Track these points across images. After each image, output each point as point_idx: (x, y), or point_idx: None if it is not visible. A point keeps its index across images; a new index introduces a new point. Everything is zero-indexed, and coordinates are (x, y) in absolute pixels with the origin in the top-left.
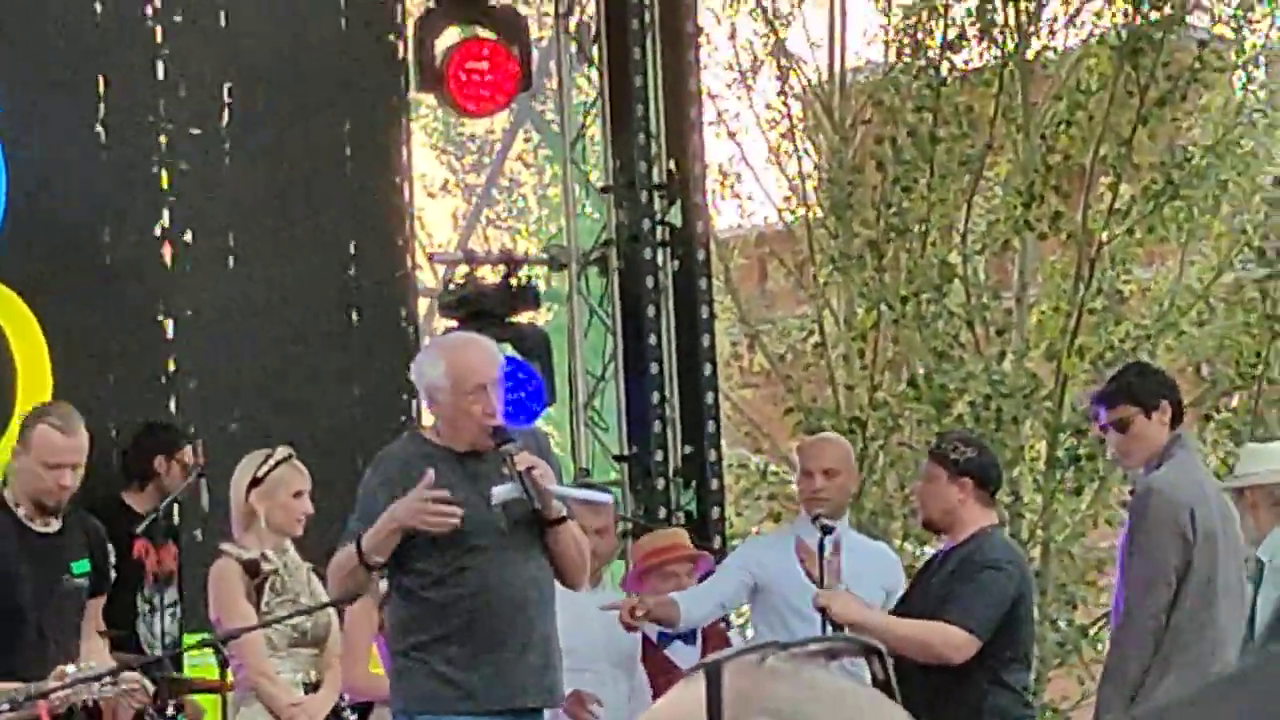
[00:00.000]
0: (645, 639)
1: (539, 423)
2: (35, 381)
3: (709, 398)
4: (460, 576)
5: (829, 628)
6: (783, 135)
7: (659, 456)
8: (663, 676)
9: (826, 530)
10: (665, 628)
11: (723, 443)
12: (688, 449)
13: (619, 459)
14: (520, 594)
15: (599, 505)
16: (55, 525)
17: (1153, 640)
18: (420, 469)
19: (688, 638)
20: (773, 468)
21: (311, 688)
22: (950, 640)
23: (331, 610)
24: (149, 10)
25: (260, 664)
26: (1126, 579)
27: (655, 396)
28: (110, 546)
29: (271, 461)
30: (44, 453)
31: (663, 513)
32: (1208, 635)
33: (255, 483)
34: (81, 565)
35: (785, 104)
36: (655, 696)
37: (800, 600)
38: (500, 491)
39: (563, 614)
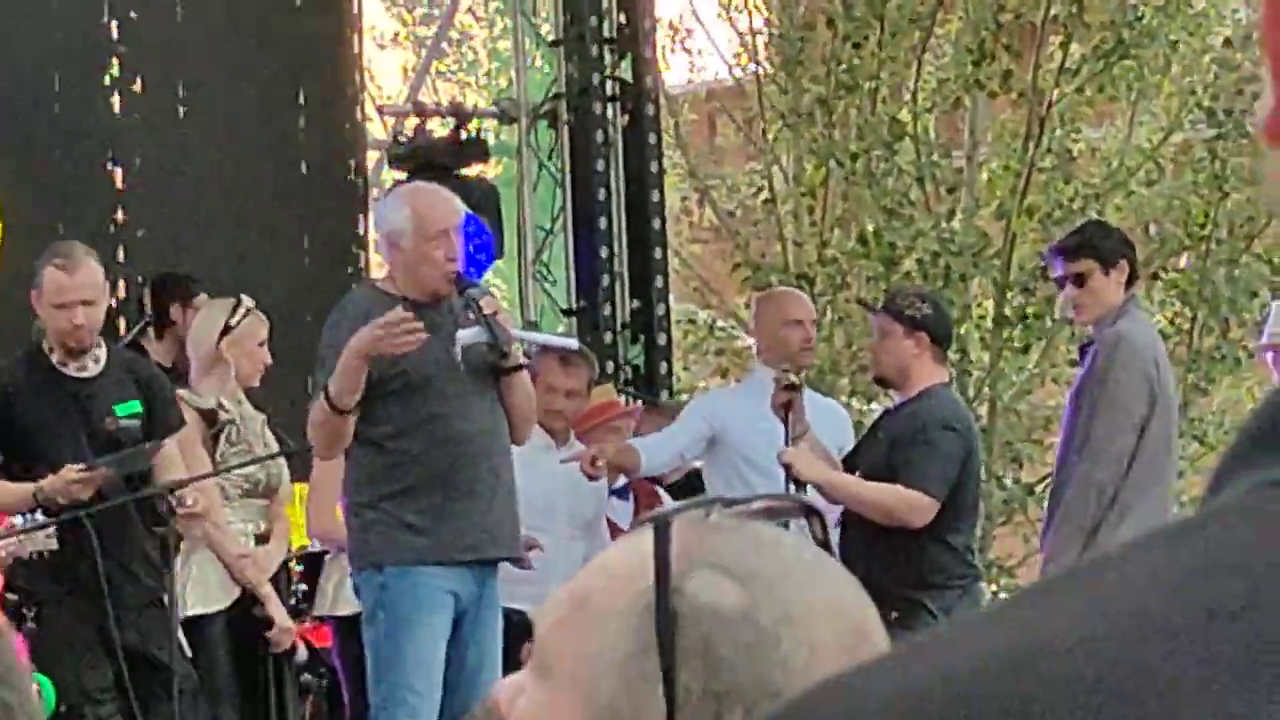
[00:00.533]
0: None
1: (488, 276)
2: None
3: (657, 253)
4: (428, 425)
5: (792, 486)
6: None
7: (607, 311)
8: None
9: (793, 386)
10: (627, 475)
11: (671, 297)
12: (636, 303)
13: (567, 313)
14: (487, 443)
15: (569, 354)
16: (95, 368)
17: (1111, 487)
18: (382, 315)
19: (621, 493)
20: (720, 323)
21: (261, 539)
22: (911, 503)
23: (283, 462)
24: None
25: (213, 513)
26: (1084, 423)
27: (604, 251)
28: (166, 386)
29: (242, 310)
30: (51, 294)
31: (610, 367)
32: (1160, 489)
33: (225, 330)
34: (128, 406)
35: None
36: None
37: (756, 454)
38: (465, 335)
39: (524, 472)
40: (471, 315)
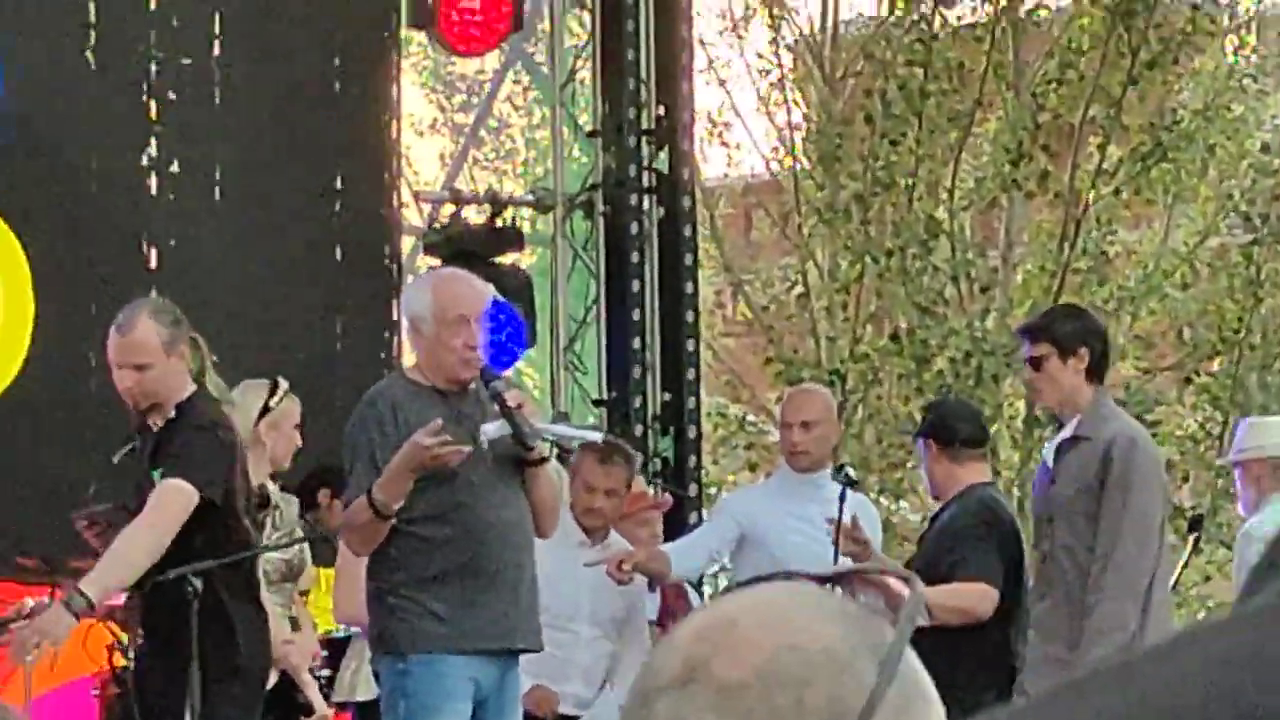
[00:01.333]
0: None
1: (520, 364)
2: (17, 308)
3: (689, 345)
4: (454, 514)
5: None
6: (773, 85)
7: (638, 402)
8: None
9: (851, 483)
10: (657, 581)
11: (702, 390)
12: (667, 395)
13: (598, 403)
14: (512, 534)
15: (609, 452)
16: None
17: (1141, 601)
18: (411, 409)
19: (647, 586)
20: (751, 417)
21: (294, 623)
22: (979, 594)
23: (306, 546)
24: None
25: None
26: (1107, 531)
27: (636, 342)
28: (196, 450)
29: (280, 393)
30: (109, 353)
31: (640, 459)
32: (1165, 591)
33: (264, 412)
34: (155, 474)
35: (776, 54)
36: None
37: (784, 553)
38: (490, 429)
39: (555, 567)
40: (496, 408)
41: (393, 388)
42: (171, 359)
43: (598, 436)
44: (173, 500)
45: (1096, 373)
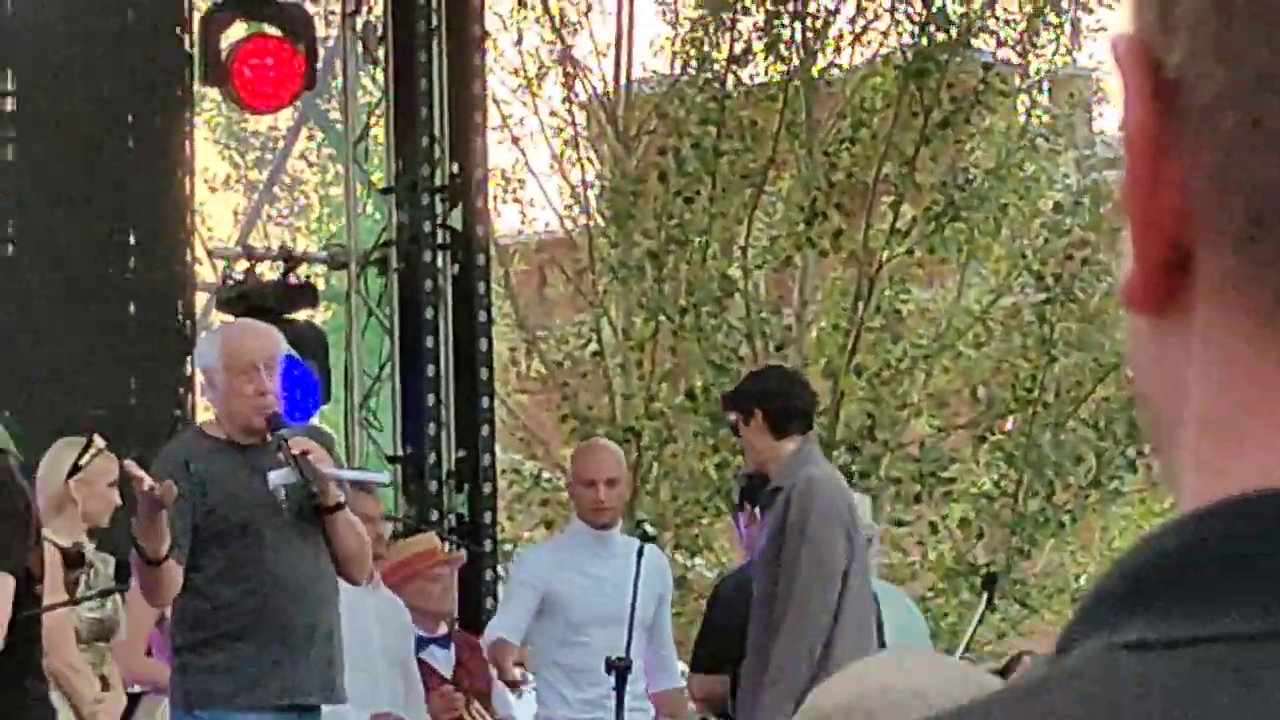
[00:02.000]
0: None
1: (314, 420)
2: None
3: (484, 401)
4: (246, 570)
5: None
6: (566, 143)
7: (432, 458)
8: (424, 680)
9: (648, 538)
10: (503, 674)
11: (497, 447)
12: (461, 452)
13: (392, 460)
14: (306, 585)
15: (373, 485)
16: None
17: (823, 639)
18: (207, 463)
19: (441, 642)
20: (546, 474)
21: (104, 682)
22: None
23: (120, 604)
24: None
25: (69, 654)
26: (785, 577)
27: (430, 398)
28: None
29: (92, 450)
30: None
31: (435, 515)
32: (865, 635)
33: (74, 470)
34: None
35: (570, 111)
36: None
37: (582, 614)
38: (276, 476)
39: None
40: (281, 456)
41: (187, 445)
42: None
43: (384, 478)
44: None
45: (780, 428)
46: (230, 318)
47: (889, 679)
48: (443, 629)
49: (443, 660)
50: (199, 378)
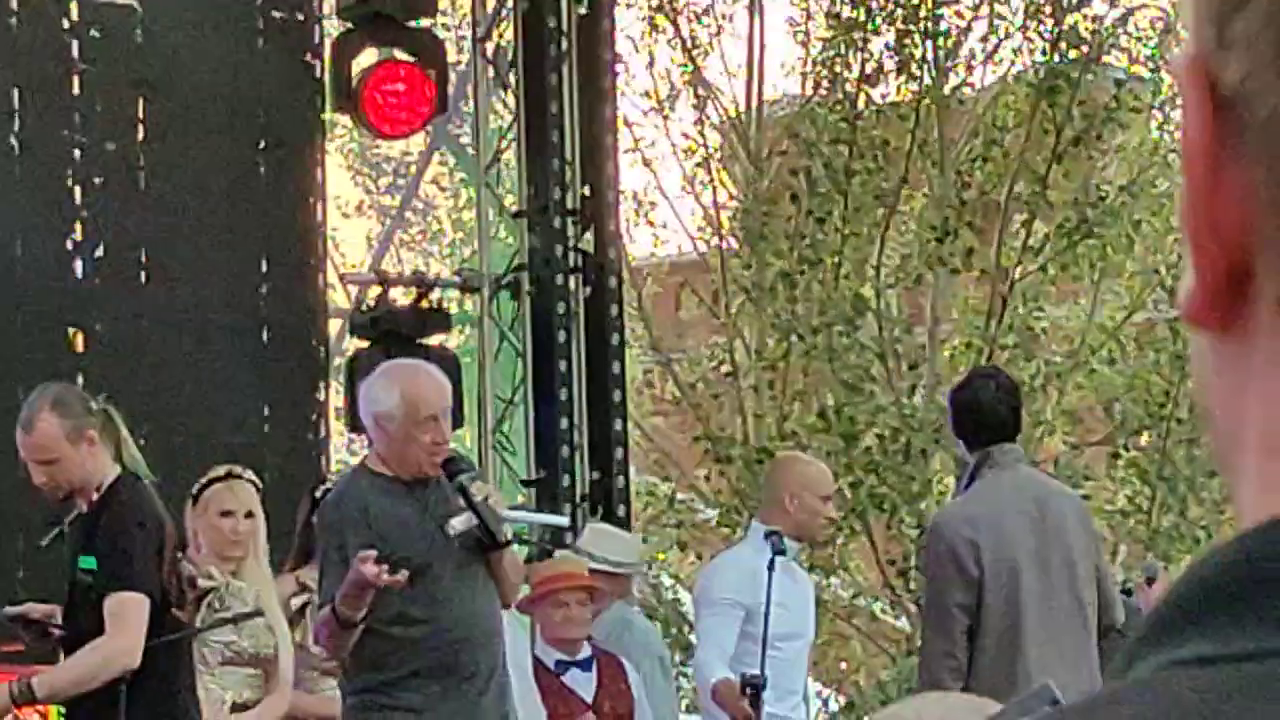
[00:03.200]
0: (539, 664)
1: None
2: None
3: (618, 424)
4: (427, 611)
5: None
6: (698, 165)
7: (566, 481)
8: (562, 704)
9: (779, 551)
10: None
11: (631, 469)
12: (595, 474)
13: (527, 484)
14: (484, 626)
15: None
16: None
17: (952, 684)
18: (379, 504)
19: (584, 665)
20: (680, 495)
21: (241, 707)
22: None
23: (281, 634)
24: (66, 23)
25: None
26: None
27: (564, 422)
28: (120, 540)
29: (204, 480)
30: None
31: (569, 539)
32: (1017, 677)
33: (193, 501)
34: (86, 561)
35: (702, 133)
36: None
37: (760, 627)
38: (458, 523)
39: None
40: (462, 502)
41: (357, 484)
42: (80, 446)
43: (564, 521)
44: (133, 613)
45: (975, 443)
46: (364, 344)
47: (897, 710)
48: (585, 651)
49: (584, 683)
50: (336, 402)
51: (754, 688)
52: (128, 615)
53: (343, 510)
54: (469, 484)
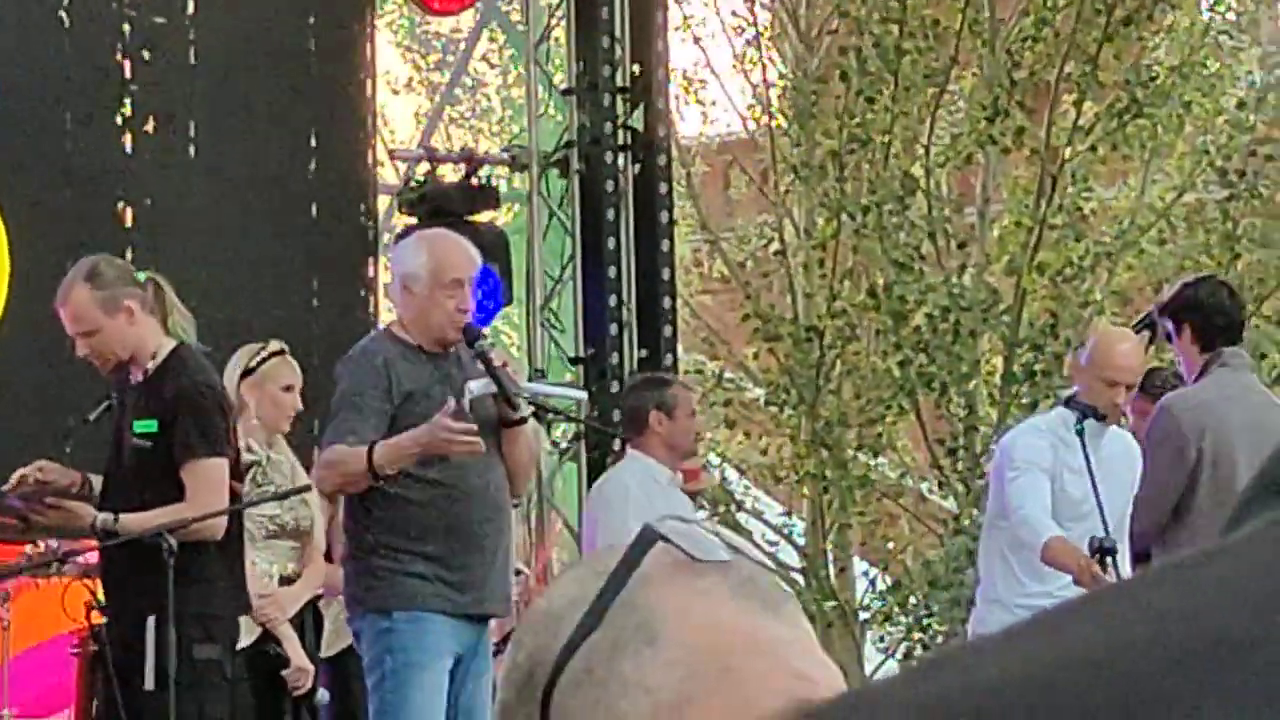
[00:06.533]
0: None
1: (496, 323)
2: None
3: (666, 302)
4: (440, 475)
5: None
6: (748, 43)
7: (615, 359)
8: None
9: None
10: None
11: (679, 347)
12: (644, 353)
13: (574, 361)
14: (494, 497)
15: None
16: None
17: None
18: (400, 367)
19: None
20: (728, 374)
21: (286, 581)
22: None
23: (316, 505)
24: None
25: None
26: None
27: (613, 299)
28: (191, 407)
29: (264, 354)
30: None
31: (617, 415)
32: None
33: (246, 374)
34: (144, 425)
35: (751, 11)
36: None
37: (1073, 486)
38: (476, 386)
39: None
40: (481, 367)
41: (381, 342)
42: (118, 316)
43: (581, 395)
44: (216, 478)
45: (1208, 344)
46: (412, 220)
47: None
48: None
49: None
50: (385, 279)
51: (1106, 552)
52: (211, 481)
53: (373, 361)
54: (488, 350)
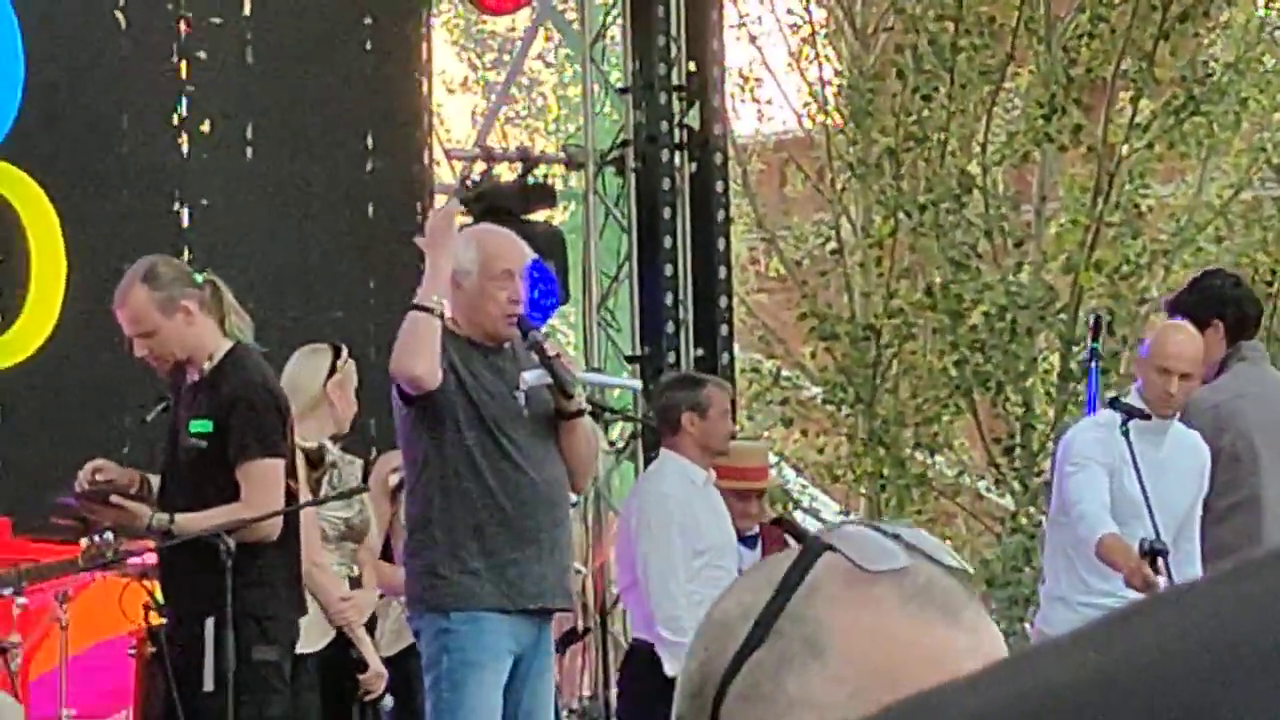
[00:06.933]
0: None
1: (553, 321)
2: (50, 269)
3: (723, 301)
4: (494, 470)
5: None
6: (804, 40)
7: (671, 358)
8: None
9: (1126, 426)
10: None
11: (735, 346)
12: (700, 351)
13: (631, 359)
14: (551, 490)
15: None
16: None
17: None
18: (456, 358)
19: (749, 542)
20: (785, 372)
21: (354, 582)
22: None
23: (371, 507)
24: None
25: (315, 553)
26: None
27: (669, 298)
28: (247, 407)
29: (344, 356)
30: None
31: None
32: (1262, 538)
33: (331, 373)
34: (199, 425)
35: (807, 9)
36: None
37: (1131, 485)
38: (530, 377)
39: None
40: (535, 357)
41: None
42: (175, 316)
43: (636, 384)
44: (271, 479)
45: (1235, 336)
46: (469, 219)
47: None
48: (752, 529)
49: (749, 561)
50: None
51: (1158, 554)
52: (267, 481)
53: None
54: (542, 340)
